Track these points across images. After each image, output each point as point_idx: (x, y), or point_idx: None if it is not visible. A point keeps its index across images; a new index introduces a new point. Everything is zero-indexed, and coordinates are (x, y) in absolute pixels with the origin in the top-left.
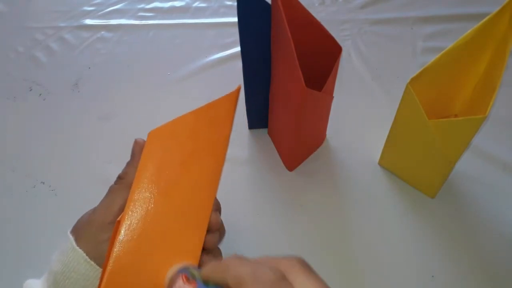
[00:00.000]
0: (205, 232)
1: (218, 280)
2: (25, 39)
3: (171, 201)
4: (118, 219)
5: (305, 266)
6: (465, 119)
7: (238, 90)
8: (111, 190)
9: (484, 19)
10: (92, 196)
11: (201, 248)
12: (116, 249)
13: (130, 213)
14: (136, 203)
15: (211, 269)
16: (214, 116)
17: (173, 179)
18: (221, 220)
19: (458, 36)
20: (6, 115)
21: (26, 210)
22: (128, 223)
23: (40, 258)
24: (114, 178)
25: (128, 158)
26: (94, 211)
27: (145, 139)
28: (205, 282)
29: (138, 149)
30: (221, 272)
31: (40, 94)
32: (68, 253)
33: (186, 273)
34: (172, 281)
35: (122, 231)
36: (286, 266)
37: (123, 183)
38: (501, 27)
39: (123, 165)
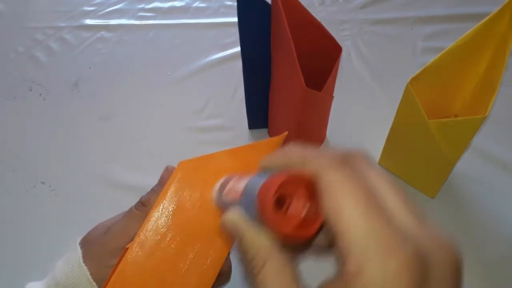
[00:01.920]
0: (214, 279)
1: (278, 165)
2: (25, 39)
3: (185, 240)
4: (127, 245)
5: (368, 157)
6: (465, 119)
7: (283, 136)
8: (130, 215)
9: (484, 19)
10: (92, 196)
11: None
12: (118, 275)
13: (140, 242)
14: (148, 232)
15: (269, 157)
16: (250, 160)
17: (192, 217)
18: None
19: (458, 36)
20: (6, 115)
21: (26, 210)
22: (136, 251)
23: (40, 258)
24: (114, 178)
25: (128, 159)
26: (108, 232)
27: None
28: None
29: (167, 177)
30: (281, 156)
31: (40, 94)
32: (74, 267)
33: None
34: (222, 185)
35: (128, 259)
36: (349, 154)
37: (145, 210)
38: (501, 27)
39: (124, 165)
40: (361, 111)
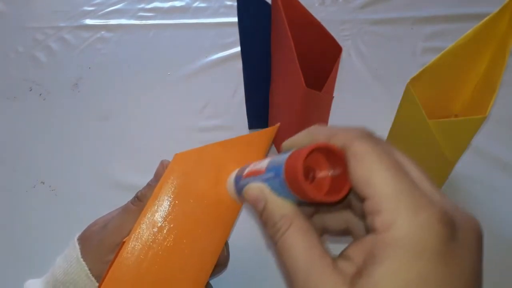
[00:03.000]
0: (211, 270)
1: (304, 142)
2: (25, 39)
3: (182, 231)
4: (124, 239)
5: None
6: (465, 119)
7: (276, 127)
8: (127, 210)
9: (484, 19)
10: (92, 196)
11: (203, 286)
12: (115, 269)
13: (136, 236)
14: (145, 226)
15: (294, 137)
16: (244, 150)
17: (188, 209)
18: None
19: (458, 36)
20: (6, 115)
21: (26, 210)
22: (132, 246)
23: (40, 258)
24: (114, 178)
25: (128, 159)
26: (106, 227)
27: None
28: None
29: (162, 171)
30: (307, 135)
31: (40, 94)
32: (72, 263)
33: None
34: (240, 171)
35: (124, 254)
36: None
37: (141, 205)
38: (501, 27)
39: (124, 165)
40: (361, 111)
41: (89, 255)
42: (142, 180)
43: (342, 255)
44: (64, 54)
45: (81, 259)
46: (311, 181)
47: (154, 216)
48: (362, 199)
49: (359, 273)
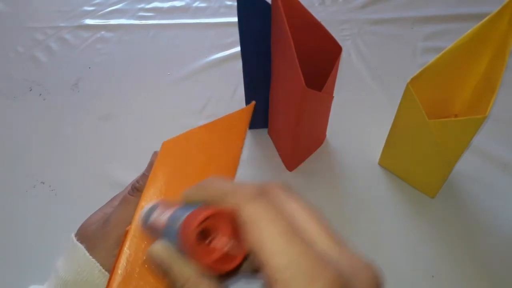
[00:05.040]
0: None
1: (198, 199)
2: (25, 39)
3: None
4: (127, 228)
5: (287, 188)
6: (465, 119)
7: (252, 106)
8: (126, 201)
9: (484, 19)
10: (92, 196)
11: None
12: (123, 258)
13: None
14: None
15: (190, 190)
16: (227, 130)
17: (181, 191)
18: None
19: (458, 36)
20: (6, 115)
21: (26, 210)
22: (135, 232)
23: (40, 258)
24: (114, 178)
25: (128, 159)
26: (108, 222)
27: (154, 144)
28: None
29: (155, 160)
30: (201, 190)
31: (40, 94)
32: (80, 262)
33: (158, 205)
34: (150, 210)
35: (129, 241)
36: (267, 186)
37: (139, 195)
38: (501, 27)
39: (124, 165)
40: (361, 111)
41: (97, 252)
42: None
43: None
44: (64, 54)
45: (90, 257)
46: (208, 244)
47: (151, 202)
48: (259, 265)
49: None
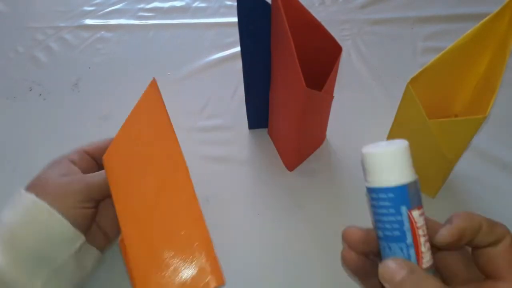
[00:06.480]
0: (198, 204)
1: (473, 227)
2: (25, 39)
3: (156, 203)
4: (120, 238)
5: None
6: (465, 119)
7: (154, 82)
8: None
9: (484, 19)
10: None
11: (203, 219)
12: (132, 261)
13: (125, 228)
14: (125, 216)
15: (464, 219)
16: (146, 113)
17: (144, 185)
18: None
19: (458, 36)
20: (6, 115)
21: None
22: (129, 235)
23: None
24: None
25: None
26: (66, 176)
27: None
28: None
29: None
30: (470, 220)
31: (40, 94)
32: (27, 205)
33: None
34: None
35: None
36: None
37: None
38: (501, 27)
39: None
40: (361, 111)
41: (52, 200)
42: None
43: None
44: (64, 54)
45: (38, 198)
46: None
47: (127, 208)
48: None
49: None
